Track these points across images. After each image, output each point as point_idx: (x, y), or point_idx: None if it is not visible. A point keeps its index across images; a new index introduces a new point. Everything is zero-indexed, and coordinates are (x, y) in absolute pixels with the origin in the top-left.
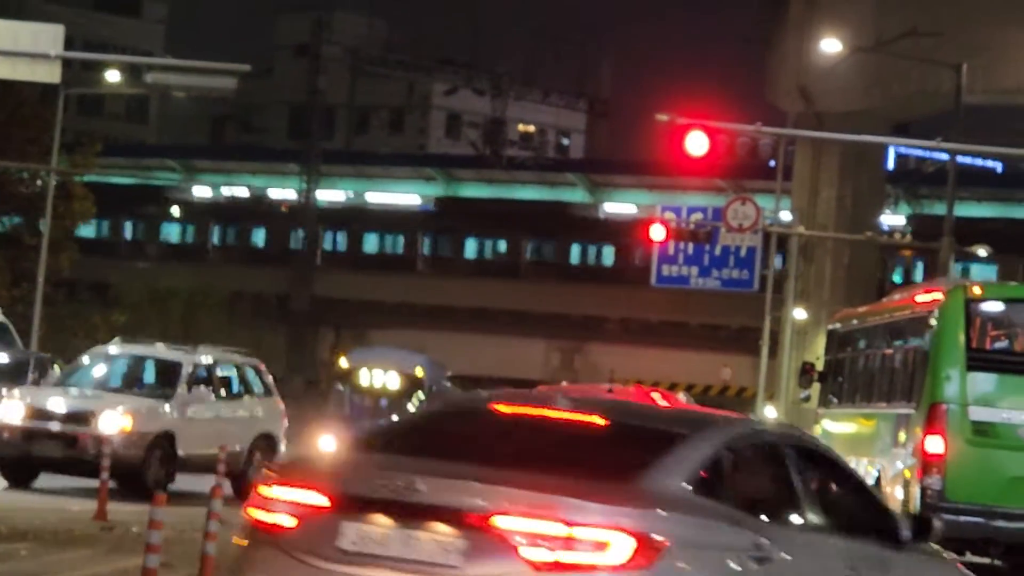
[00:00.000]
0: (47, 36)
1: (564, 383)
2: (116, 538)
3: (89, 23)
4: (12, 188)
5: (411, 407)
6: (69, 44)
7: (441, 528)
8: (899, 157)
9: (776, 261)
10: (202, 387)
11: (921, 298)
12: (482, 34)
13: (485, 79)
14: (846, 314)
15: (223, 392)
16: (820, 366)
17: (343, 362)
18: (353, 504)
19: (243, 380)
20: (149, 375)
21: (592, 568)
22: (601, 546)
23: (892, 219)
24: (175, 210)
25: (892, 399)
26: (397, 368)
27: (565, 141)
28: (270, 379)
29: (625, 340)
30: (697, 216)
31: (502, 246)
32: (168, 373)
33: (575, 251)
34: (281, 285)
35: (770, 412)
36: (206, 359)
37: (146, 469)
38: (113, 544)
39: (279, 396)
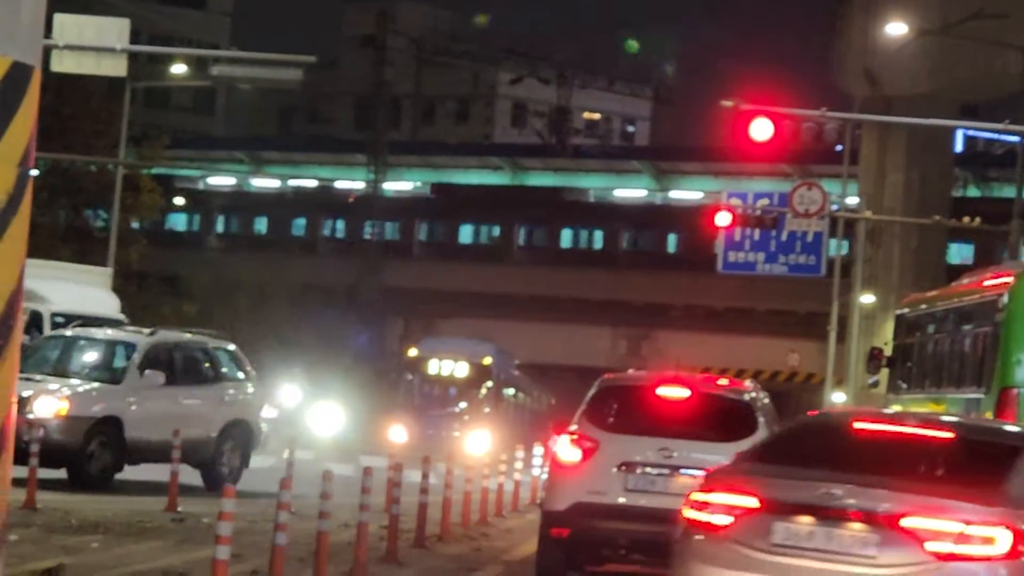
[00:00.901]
0: (113, 30)
1: (631, 370)
2: (187, 529)
3: (155, 16)
4: (81, 182)
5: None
6: (135, 38)
7: (857, 526)
8: (967, 139)
9: (838, 246)
10: (154, 371)
11: (990, 282)
12: (547, 23)
13: (550, 68)
14: (914, 299)
15: (190, 376)
16: (888, 351)
17: (412, 352)
18: (780, 507)
19: (213, 364)
20: (102, 358)
21: (981, 559)
22: (988, 540)
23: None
24: (243, 201)
25: (962, 384)
26: (466, 357)
27: (630, 128)
28: (247, 363)
29: (691, 327)
30: (763, 202)
31: (573, 235)
32: (121, 356)
33: (638, 238)
34: (350, 276)
35: (838, 398)
36: (165, 341)
37: (88, 455)
38: (184, 535)
39: (259, 380)
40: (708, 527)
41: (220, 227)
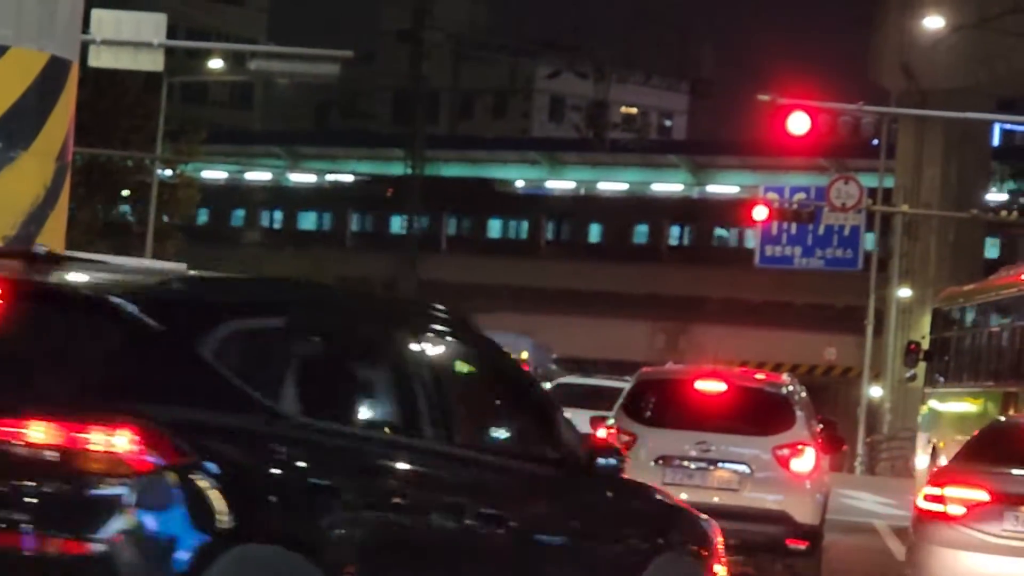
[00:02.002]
0: (150, 25)
1: (669, 363)
2: None
3: (192, 11)
4: (118, 177)
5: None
6: (172, 32)
7: None
8: (1004, 133)
9: (872, 239)
10: None
11: None
12: (584, 17)
13: (587, 62)
14: (952, 293)
15: None
16: (926, 345)
17: None
18: (1009, 499)
19: None
20: None
21: None
22: None
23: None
24: (280, 196)
25: (999, 377)
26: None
27: (668, 123)
28: None
29: (729, 320)
30: (800, 196)
31: (604, 230)
32: None
33: (676, 232)
34: (387, 269)
35: (875, 392)
36: None
37: None
38: None
39: None
40: (943, 516)
41: (258, 221)
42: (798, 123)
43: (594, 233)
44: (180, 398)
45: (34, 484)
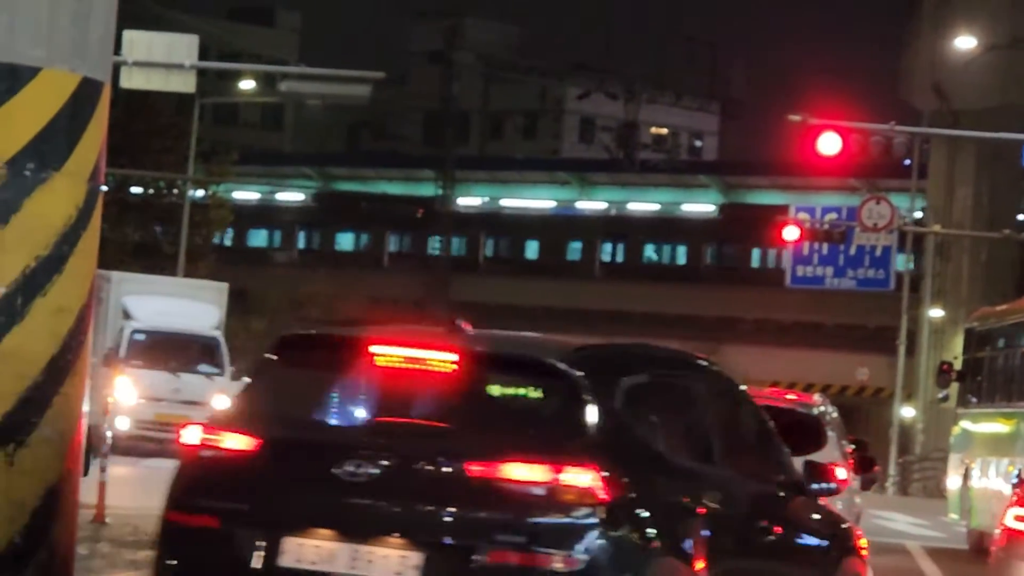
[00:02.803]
0: (181, 46)
1: None
2: None
3: (223, 33)
4: (150, 198)
5: None
6: (203, 54)
7: None
8: None
9: (902, 259)
10: None
11: None
12: (614, 38)
13: (617, 83)
14: (984, 312)
15: None
16: (958, 365)
17: None
18: None
19: None
20: None
21: None
22: None
23: None
24: (311, 217)
25: None
26: None
27: (698, 143)
28: None
29: (760, 341)
30: (831, 216)
31: (638, 250)
32: None
33: (708, 252)
34: (418, 290)
35: (907, 413)
36: None
37: None
38: None
39: None
40: None
41: (291, 242)
42: (829, 143)
43: (621, 253)
44: (611, 441)
45: (526, 512)
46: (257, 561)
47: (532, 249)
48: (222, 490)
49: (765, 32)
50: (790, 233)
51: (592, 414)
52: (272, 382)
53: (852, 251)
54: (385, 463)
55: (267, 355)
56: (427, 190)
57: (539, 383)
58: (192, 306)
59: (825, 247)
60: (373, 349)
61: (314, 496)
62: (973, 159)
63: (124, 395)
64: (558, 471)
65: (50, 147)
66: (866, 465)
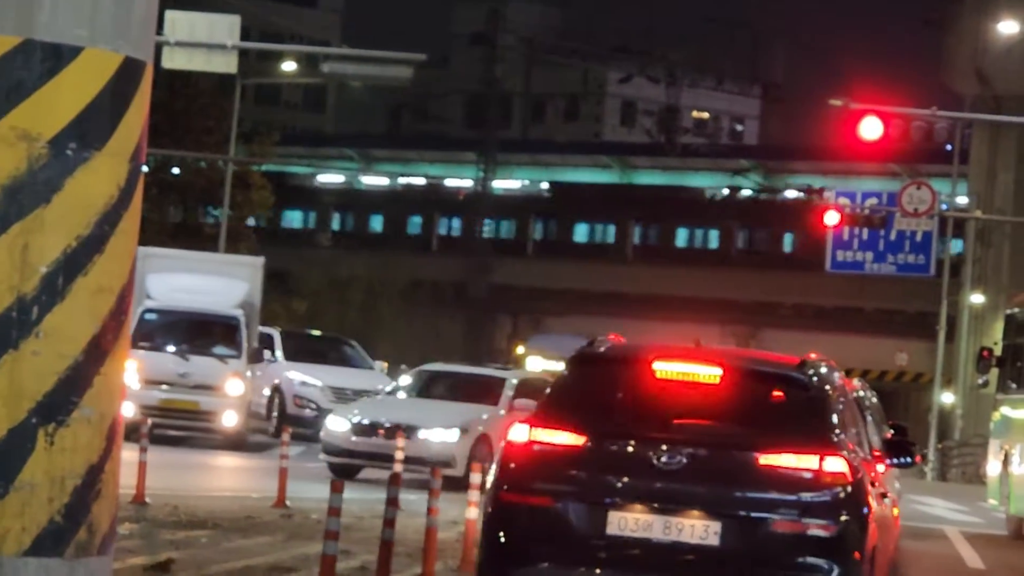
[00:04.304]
0: (223, 27)
1: None
2: (295, 525)
3: (265, 13)
4: (191, 178)
5: None
6: (245, 34)
7: None
8: None
9: (952, 245)
10: None
11: None
12: (655, 22)
13: (659, 66)
14: None
15: None
16: (998, 351)
17: (520, 349)
18: None
19: None
20: None
21: None
22: None
23: None
24: (354, 199)
25: None
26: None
27: (739, 127)
28: None
29: (799, 325)
30: (872, 201)
31: (678, 234)
32: None
33: (745, 236)
34: (459, 273)
35: (947, 398)
36: None
37: None
38: (292, 531)
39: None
40: None
41: (333, 225)
42: (870, 128)
43: (680, 237)
44: (841, 432)
45: (797, 490)
46: (589, 530)
47: (580, 233)
48: (555, 476)
49: (807, 16)
50: (831, 218)
51: (836, 413)
52: (575, 389)
53: (892, 236)
54: (690, 454)
55: (565, 369)
56: (468, 172)
57: (788, 390)
58: (217, 283)
59: (865, 232)
60: (656, 365)
61: (634, 480)
62: (1015, 145)
63: (127, 379)
64: (821, 460)
65: (92, 127)
66: (899, 450)
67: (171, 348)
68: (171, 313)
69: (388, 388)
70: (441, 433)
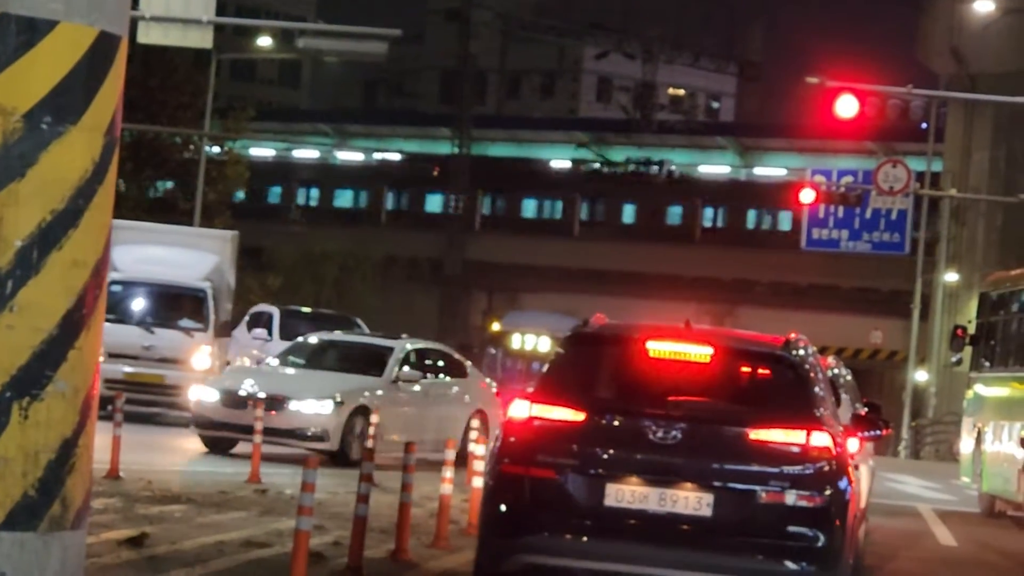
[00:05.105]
0: (199, 2)
1: None
2: (269, 501)
3: None
4: (166, 154)
5: None
6: (221, 9)
7: None
8: None
9: (923, 223)
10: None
11: None
12: None
13: (635, 43)
14: (999, 277)
15: None
16: (972, 329)
17: (496, 326)
18: None
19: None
20: None
21: None
22: None
23: None
24: (326, 174)
25: None
26: (549, 331)
27: (715, 105)
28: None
29: (775, 303)
30: (847, 179)
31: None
32: None
33: (721, 214)
34: (434, 249)
35: (921, 376)
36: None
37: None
38: (266, 507)
39: None
40: None
41: (304, 200)
42: (846, 106)
43: (639, 214)
44: (824, 408)
45: (786, 463)
46: (587, 501)
47: (556, 210)
48: (555, 449)
49: None
50: (806, 196)
51: (818, 390)
52: (571, 368)
53: (868, 214)
54: (683, 429)
55: (560, 347)
56: (443, 148)
57: (775, 368)
58: (184, 255)
59: (840, 210)
60: (649, 344)
61: (630, 453)
62: (990, 123)
63: None
64: (807, 435)
65: (67, 101)
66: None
67: (135, 320)
68: (136, 285)
69: (271, 358)
70: (313, 404)
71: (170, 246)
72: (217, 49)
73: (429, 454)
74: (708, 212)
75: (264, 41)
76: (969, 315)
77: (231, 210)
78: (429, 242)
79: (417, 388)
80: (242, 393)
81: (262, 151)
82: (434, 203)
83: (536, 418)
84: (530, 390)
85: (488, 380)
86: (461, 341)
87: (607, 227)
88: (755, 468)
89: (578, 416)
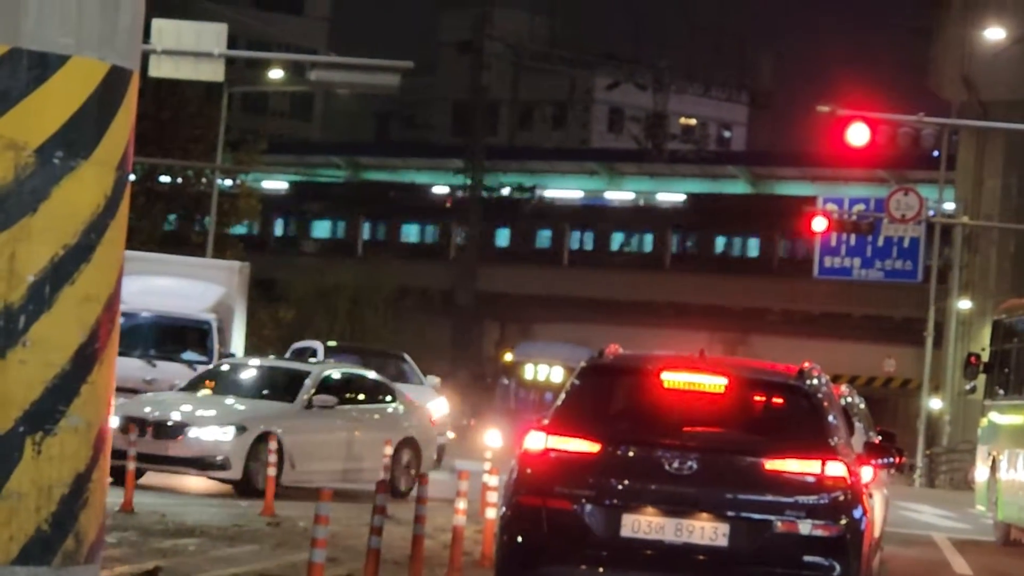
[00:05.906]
0: (210, 35)
1: None
2: (283, 533)
3: (252, 21)
4: (178, 187)
5: None
6: (232, 43)
7: None
8: None
9: (935, 251)
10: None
11: None
12: (643, 28)
13: (647, 73)
14: (1012, 304)
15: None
16: (986, 357)
17: (508, 356)
18: None
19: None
20: None
21: None
22: None
23: None
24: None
25: None
26: (561, 362)
27: (727, 134)
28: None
29: (787, 331)
30: (859, 207)
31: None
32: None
33: (737, 243)
34: (446, 280)
35: (935, 404)
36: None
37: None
38: (279, 539)
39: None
40: None
41: (319, 232)
42: (857, 134)
43: (648, 243)
44: (838, 437)
45: (801, 494)
46: (604, 532)
47: (573, 240)
48: (571, 480)
49: (794, 23)
50: (818, 224)
51: (832, 419)
52: (586, 398)
53: (880, 242)
54: (699, 459)
55: (575, 377)
56: (455, 180)
57: (789, 398)
58: (189, 286)
59: (852, 238)
60: (664, 375)
61: (647, 484)
62: (1002, 151)
63: None
64: (822, 464)
65: (79, 135)
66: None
67: (137, 353)
68: (139, 317)
69: (183, 383)
70: (214, 431)
71: (175, 276)
72: (229, 82)
73: (340, 484)
74: (720, 240)
75: (276, 74)
76: (983, 343)
77: (243, 243)
78: (440, 273)
79: (331, 414)
80: (141, 419)
81: (275, 184)
82: (449, 234)
83: (552, 449)
84: (545, 421)
85: (425, 405)
86: (474, 371)
87: (622, 256)
88: (770, 498)
89: (594, 447)
